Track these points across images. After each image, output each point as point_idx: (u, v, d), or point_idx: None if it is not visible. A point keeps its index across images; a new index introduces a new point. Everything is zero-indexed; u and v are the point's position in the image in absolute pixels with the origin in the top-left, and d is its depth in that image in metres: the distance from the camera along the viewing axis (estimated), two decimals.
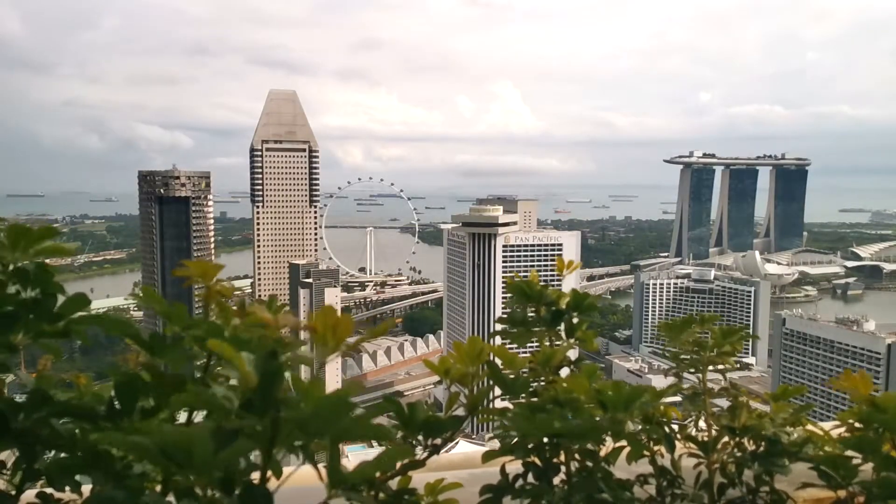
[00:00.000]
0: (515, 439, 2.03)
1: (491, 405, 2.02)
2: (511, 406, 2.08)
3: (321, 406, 1.15)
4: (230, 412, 1.18)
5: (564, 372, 2.26)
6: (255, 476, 1.18)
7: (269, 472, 1.20)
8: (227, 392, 1.23)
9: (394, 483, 1.77)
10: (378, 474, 1.76)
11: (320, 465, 1.22)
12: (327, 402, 1.15)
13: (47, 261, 1.51)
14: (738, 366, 2.70)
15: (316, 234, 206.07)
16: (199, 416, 1.37)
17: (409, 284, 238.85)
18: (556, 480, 2.05)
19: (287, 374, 1.23)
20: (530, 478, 2.03)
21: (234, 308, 1.50)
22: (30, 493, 1.49)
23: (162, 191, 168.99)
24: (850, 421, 2.26)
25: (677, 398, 2.64)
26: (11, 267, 1.48)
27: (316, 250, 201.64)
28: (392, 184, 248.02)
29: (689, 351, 2.66)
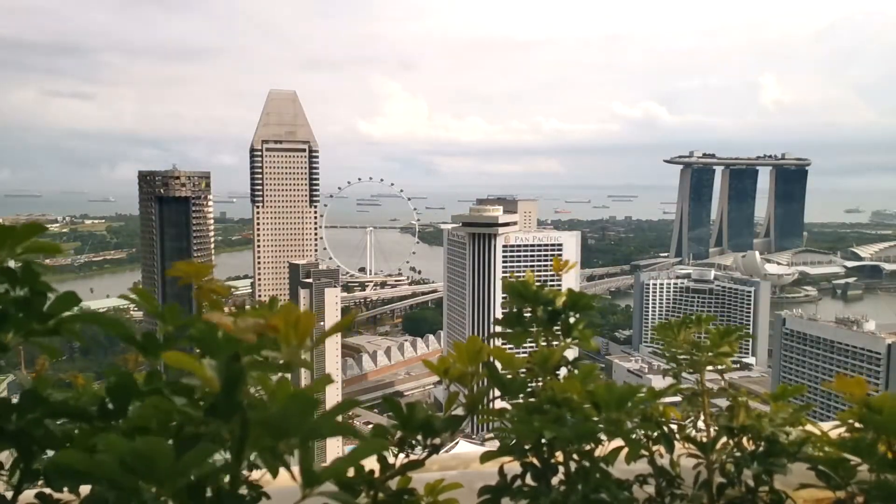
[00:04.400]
0: (514, 440, 2.03)
1: (490, 405, 2.02)
2: (509, 406, 2.08)
3: (288, 405, 1.15)
4: (196, 419, 1.17)
5: (564, 372, 2.26)
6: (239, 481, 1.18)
7: (263, 474, 1.20)
8: (189, 399, 1.23)
9: (394, 483, 1.77)
10: (377, 474, 1.76)
11: (293, 467, 1.22)
12: (294, 401, 1.15)
13: (48, 260, 1.50)
14: (738, 366, 2.70)
15: (316, 234, 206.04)
16: None
17: (409, 284, 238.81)
18: (554, 481, 2.05)
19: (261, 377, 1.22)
20: (528, 478, 2.02)
21: (230, 308, 1.49)
22: (28, 494, 1.49)
23: (162, 191, 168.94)
24: (850, 421, 2.25)
25: (676, 398, 2.64)
26: None
27: (316, 250, 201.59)
28: (392, 184, 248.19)
29: (686, 352, 2.66)
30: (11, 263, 1.45)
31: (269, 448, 1.17)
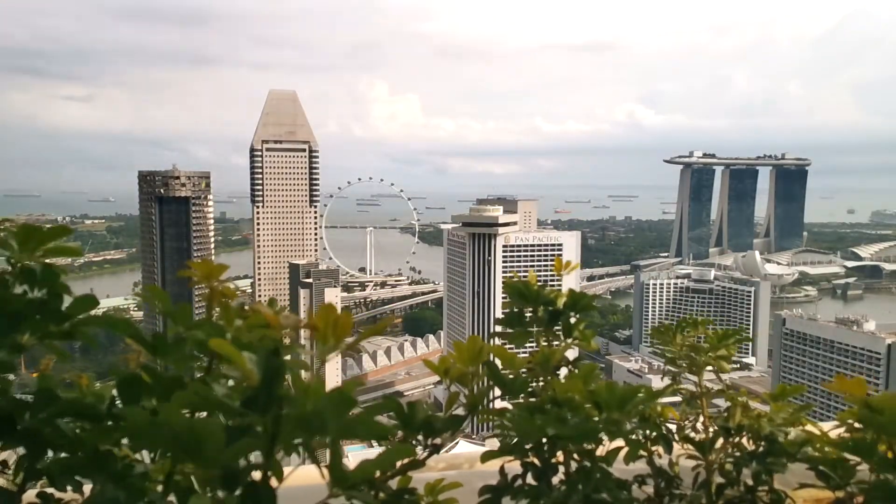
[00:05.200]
0: (515, 439, 2.04)
1: (490, 405, 2.02)
2: (510, 406, 2.08)
3: (323, 403, 1.14)
4: (233, 410, 1.18)
5: (565, 372, 2.26)
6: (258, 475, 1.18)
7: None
8: (228, 391, 1.24)
9: (394, 483, 1.78)
10: (378, 473, 1.77)
11: (322, 464, 1.23)
12: (329, 399, 1.15)
13: (46, 261, 1.51)
14: (737, 366, 2.71)
15: (316, 234, 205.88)
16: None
17: (409, 284, 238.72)
18: (555, 480, 2.05)
19: (287, 374, 1.23)
20: (529, 478, 2.03)
21: (237, 309, 1.50)
22: (30, 493, 1.49)
23: (162, 191, 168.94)
24: (850, 421, 2.26)
25: (675, 399, 2.64)
26: (19, 266, 1.47)
27: (316, 250, 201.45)
28: (392, 184, 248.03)
29: (685, 354, 2.66)
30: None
31: (301, 444, 1.18)
